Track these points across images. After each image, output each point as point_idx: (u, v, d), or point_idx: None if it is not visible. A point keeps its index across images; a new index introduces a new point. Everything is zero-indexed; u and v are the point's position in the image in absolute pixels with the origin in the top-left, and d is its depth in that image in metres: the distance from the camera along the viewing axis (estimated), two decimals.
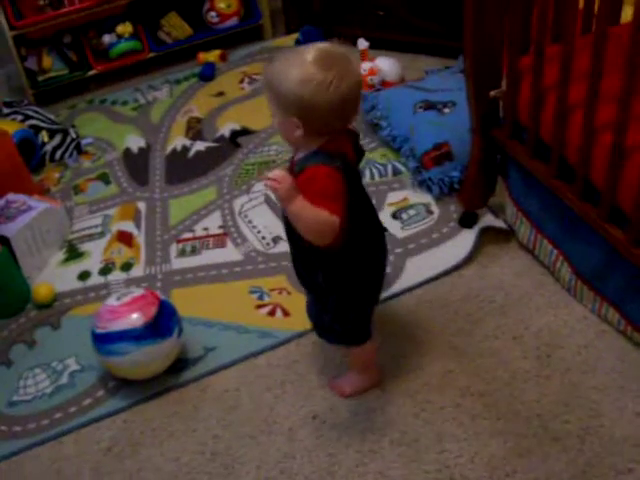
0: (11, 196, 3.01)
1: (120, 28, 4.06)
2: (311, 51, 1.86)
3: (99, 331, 2.38)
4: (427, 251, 2.79)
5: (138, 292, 2.44)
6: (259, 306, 2.69)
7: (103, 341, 2.37)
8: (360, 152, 2.09)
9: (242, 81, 3.98)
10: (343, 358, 2.46)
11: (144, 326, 2.34)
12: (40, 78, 4.02)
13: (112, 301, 2.42)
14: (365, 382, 2.40)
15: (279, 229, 2.91)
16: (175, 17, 4.17)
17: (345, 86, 1.84)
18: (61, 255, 3.06)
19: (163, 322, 2.38)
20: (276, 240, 2.92)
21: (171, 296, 2.74)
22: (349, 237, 1.99)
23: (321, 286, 2.14)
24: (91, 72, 4.11)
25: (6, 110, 3.68)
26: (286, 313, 2.64)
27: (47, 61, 4.00)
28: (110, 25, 4.08)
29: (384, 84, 3.54)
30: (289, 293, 2.70)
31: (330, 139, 1.92)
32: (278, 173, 1.85)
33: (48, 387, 2.54)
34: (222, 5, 4.15)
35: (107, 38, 4.08)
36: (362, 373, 2.39)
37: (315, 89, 1.82)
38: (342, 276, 2.10)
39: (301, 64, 1.84)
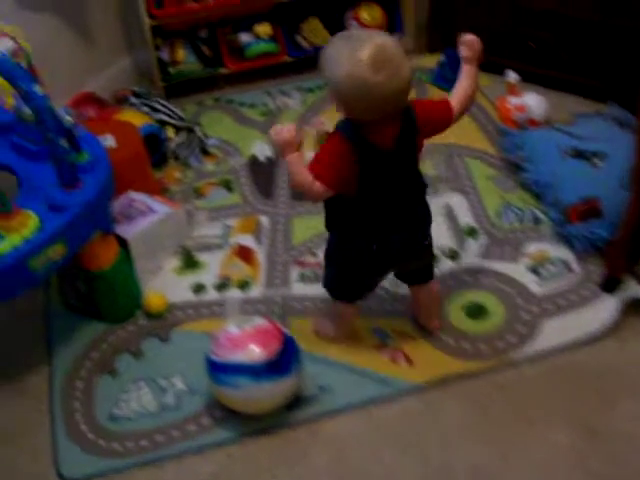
0: (133, 195, 2.91)
1: (259, 28, 3.92)
2: (367, 47, 1.92)
3: (216, 359, 2.25)
4: (564, 314, 2.61)
5: (261, 322, 2.30)
6: (380, 349, 2.54)
7: (218, 370, 2.25)
8: (409, 147, 2.16)
9: None
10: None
11: (265, 362, 2.20)
12: (171, 70, 3.91)
13: (233, 328, 2.29)
14: (329, 328, 2.58)
15: None
16: (316, 23, 4.01)
17: (390, 88, 1.94)
18: (176, 262, 2.95)
19: (284, 359, 2.24)
20: None
21: (288, 324, 2.61)
22: (353, 207, 2.19)
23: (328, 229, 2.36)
24: (223, 70, 3.99)
25: (135, 100, 3.58)
26: (409, 361, 2.49)
27: (180, 54, 3.89)
28: (248, 23, 3.95)
29: (530, 122, 3.35)
30: (414, 339, 2.56)
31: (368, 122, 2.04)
32: (280, 126, 2.07)
33: (152, 405, 2.44)
34: (366, 16, 3.98)
35: (244, 37, 3.94)
36: (332, 321, 2.57)
37: (358, 88, 1.94)
38: (337, 229, 2.32)
39: (353, 59, 1.92)
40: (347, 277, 2.41)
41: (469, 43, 2.22)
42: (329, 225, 2.33)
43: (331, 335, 2.58)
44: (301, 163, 2.08)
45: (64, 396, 2.48)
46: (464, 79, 2.24)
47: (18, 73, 2.33)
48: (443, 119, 2.20)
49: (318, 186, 2.07)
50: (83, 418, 2.41)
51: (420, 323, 2.60)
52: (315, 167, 2.08)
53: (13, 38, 2.74)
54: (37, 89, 2.32)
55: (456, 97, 2.21)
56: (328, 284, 2.51)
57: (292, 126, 2.07)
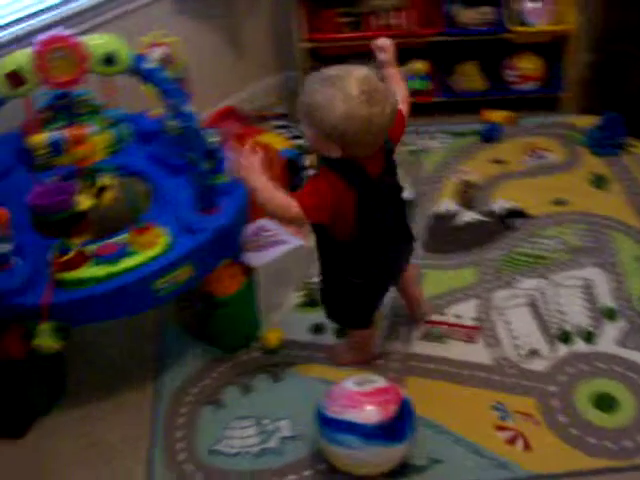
0: (265, 222, 2.83)
1: (419, 65, 3.82)
2: (353, 83, 1.94)
3: (328, 414, 2.15)
4: None
5: (381, 383, 2.19)
6: (499, 428, 2.38)
7: (329, 425, 2.15)
8: (391, 164, 2.22)
9: (526, 153, 3.64)
10: None
11: (378, 425, 2.09)
12: None
13: (350, 385, 2.19)
14: (352, 357, 2.56)
15: (539, 342, 2.63)
16: (472, 67, 3.86)
17: (386, 118, 1.98)
18: (297, 298, 2.86)
19: (399, 425, 2.12)
20: (533, 354, 2.60)
21: (405, 384, 2.48)
22: (352, 241, 2.18)
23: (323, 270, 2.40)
24: None
25: (277, 122, 3.52)
26: (528, 446, 2.32)
27: None
28: (404, 58, 3.84)
29: None
30: (537, 424, 2.38)
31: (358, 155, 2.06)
32: (249, 149, 2.09)
33: (254, 446, 2.36)
34: (525, 66, 3.82)
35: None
36: (352, 350, 2.56)
37: (359, 125, 1.95)
38: (339, 268, 2.32)
39: (345, 98, 1.93)
40: (361, 307, 2.43)
41: (384, 46, 2.33)
42: (331, 270, 2.37)
43: (354, 361, 2.56)
44: (272, 187, 2.09)
45: (167, 421, 2.44)
46: (396, 82, 2.32)
47: (170, 88, 2.29)
48: (402, 130, 2.28)
49: (294, 207, 2.05)
50: (183, 447, 2.35)
51: (416, 317, 2.71)
52: (299, 194, 2.09)
53: (168, 49, 2.68)
54: (188, 109, 2.28)
55: (401, 103, 2.22)
56: (342, 319, 2.52)
57: (250, 149, 2.11)
